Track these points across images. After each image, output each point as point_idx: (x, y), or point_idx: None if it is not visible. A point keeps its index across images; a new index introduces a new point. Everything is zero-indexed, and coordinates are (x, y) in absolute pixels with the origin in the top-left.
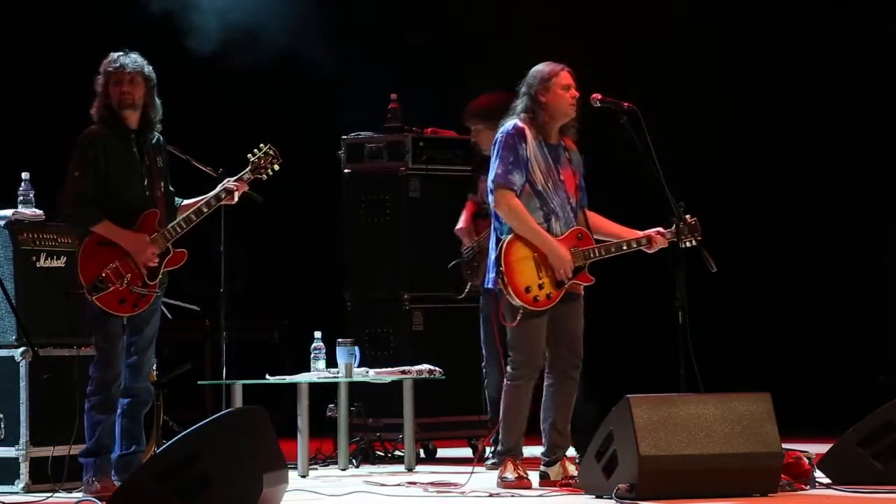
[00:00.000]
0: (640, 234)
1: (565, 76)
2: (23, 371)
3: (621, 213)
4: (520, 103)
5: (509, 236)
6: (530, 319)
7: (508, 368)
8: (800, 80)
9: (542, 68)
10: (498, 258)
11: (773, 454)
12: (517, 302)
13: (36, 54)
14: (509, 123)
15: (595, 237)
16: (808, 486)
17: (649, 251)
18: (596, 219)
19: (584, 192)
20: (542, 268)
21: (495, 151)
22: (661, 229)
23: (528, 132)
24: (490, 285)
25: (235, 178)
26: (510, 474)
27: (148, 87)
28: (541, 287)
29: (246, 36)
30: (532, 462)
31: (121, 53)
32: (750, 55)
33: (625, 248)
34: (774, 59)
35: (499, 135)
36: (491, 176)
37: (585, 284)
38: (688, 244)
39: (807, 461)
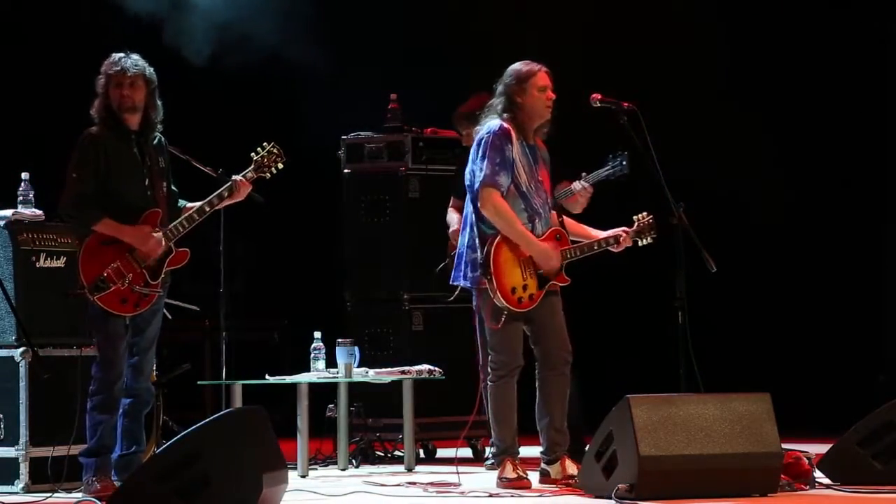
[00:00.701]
0: (607, 233)
1: (542, 77)
2: (23, 371)
3: (622, 213)
4: (498, 103)
5: (497, 238)
6: (512, 321)
7: (490, 369)
8: (800, 80)
9: (518, 68)
10: (486, 260)
11: (773, 454)
12: (502, 304)
13: (36, 54)
14: (494, 123)
15: (571, 239)
16: (807, 486)
17: (616, 251)
18: (568, 221)
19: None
20: (526, 269)
21: (480, 151)
22: (626, 228)
23: (512, 133)
24: (466, 283)
25: (239, 176)
26: (509, 474)
27: (149, 90)
28: (525, 289)
29: (244, 36)
30: (530, 462)
31: (122, 55)
32: (750, 55)
33: (595, 248)
34: (774, 60)
35: (483, 133)
36: (478, 176)
37: (562, 285)
38: (645, 242)
39: (806, 461)
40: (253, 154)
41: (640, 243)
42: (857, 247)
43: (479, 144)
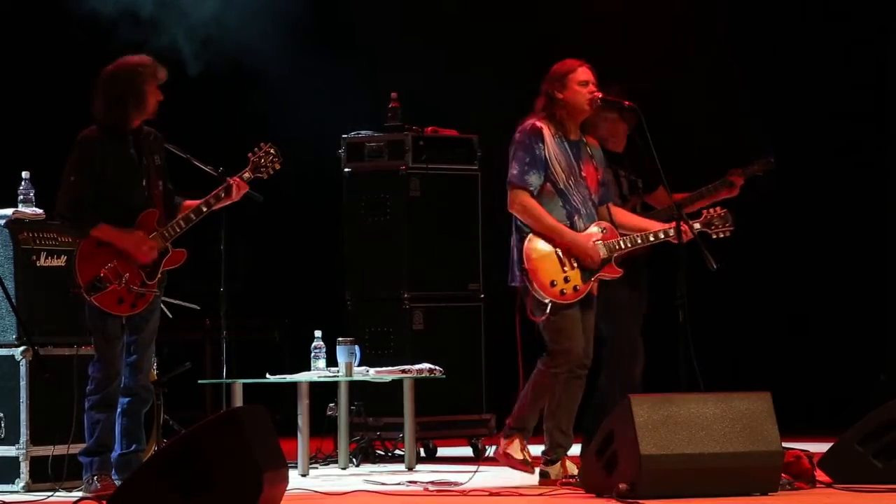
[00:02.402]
0: (668, 225)
1: (583, 72)
2: (23, 370)
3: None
4: (539, 101)
5: (529, 234)
6: (563, 310)
7: (547, 364)
8: (800, 80)
9: (559, 65)
10: (520, 257)
11: (774, 453)
12: (545, 298)
13: (36, 55)
14: (527, 123)
15: (621, 232)
16: (808, 485)
17: (677, 242)
18: (622, 214)
19: (608, 187)
20: (567, 262)
21: (511, 151)
22: (683, 221)
23: (545, 130)
24: (515, 283)
25: (236, 177)
26: (516, 454)
27: None
28: (567, 280)
29: (245, 35)
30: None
31: (151, 57)
32: (750, 55)
33: (651, 238)
34: (775, 59)
35: (517, 133)
36: (508, 177)
37: (613, 277)
38: (720, 235)
39: (807, 460)
40: (250, 154)
41: (712, 236)
42: (858, 246)
43: (511, 144)
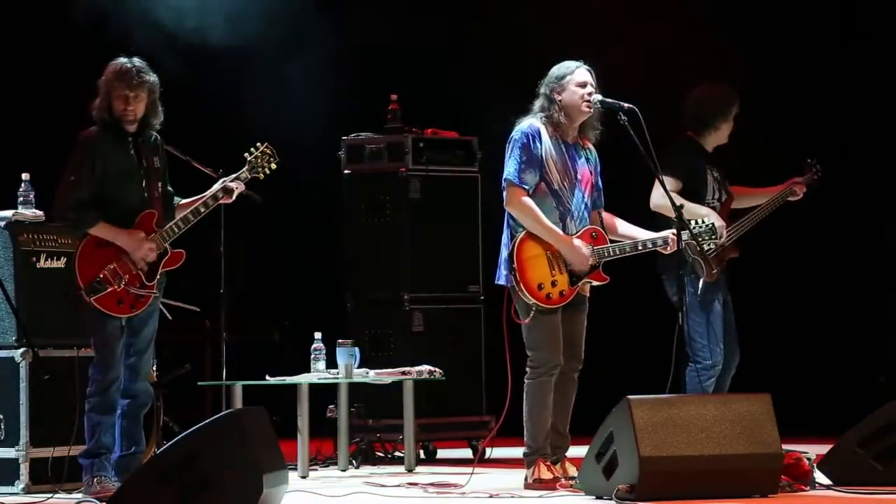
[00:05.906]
0: (654, 235)
1: (581, 74)
2: (23, 372)
3: (621, 213)
4: (537, 102)
5: (521, 234)
6: (546, 315)
7: (527, 367)
8: (799, 81)
9: (558, 66)
10: (510, 256)
11: (773, 455)
12: (530, 300)
13: (35, 55)
14: (526, 123)
15: (610, 238)
16: (808, 487)
17: (665, 252)
18: (612, 220)
19: (601, 192)
20: (556, 265)
21: (509, 150)
22: (675, 230)
23: (544, 132)
24: (501, 282)
25: (233, 177)
26: (545, 475)
27: (150, 99)
28: (554, 284)
29: (246, 34)
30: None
31: (128, 63)
32: (750, 55)
33: (640, 248)
34: (775, 60)
35: (515, 133)
36: (504, 175)
37: (600, 283)
38: (709, 246)
39: (807, 462)
40: (246, 154)
41: (703, 247)
42: (857, 247)
43: (508, 143)
